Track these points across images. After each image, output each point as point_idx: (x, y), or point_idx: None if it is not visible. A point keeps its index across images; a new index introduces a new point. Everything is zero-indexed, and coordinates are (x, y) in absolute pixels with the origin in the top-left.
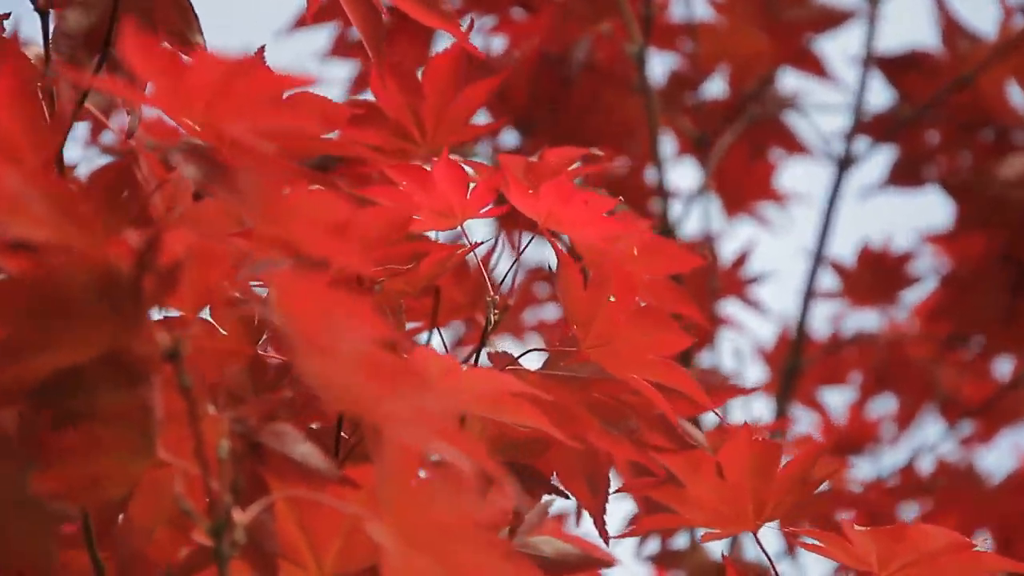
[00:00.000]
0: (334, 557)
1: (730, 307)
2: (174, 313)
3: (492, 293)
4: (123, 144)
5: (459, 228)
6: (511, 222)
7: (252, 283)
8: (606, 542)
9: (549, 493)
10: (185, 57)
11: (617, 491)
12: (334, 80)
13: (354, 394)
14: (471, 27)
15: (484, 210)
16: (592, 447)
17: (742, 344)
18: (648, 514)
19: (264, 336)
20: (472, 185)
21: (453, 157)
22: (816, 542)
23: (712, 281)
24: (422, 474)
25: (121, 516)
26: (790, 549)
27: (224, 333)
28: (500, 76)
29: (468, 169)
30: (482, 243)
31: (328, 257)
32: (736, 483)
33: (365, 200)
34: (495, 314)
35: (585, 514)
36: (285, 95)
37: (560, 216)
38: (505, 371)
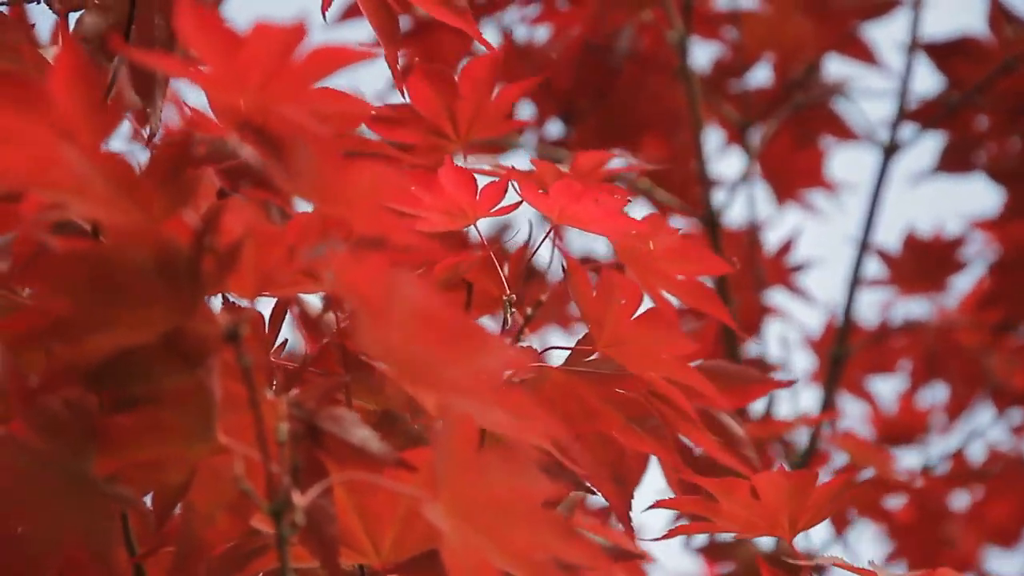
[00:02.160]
0: (391, 542)
1: (776, 296)
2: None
3: (508, 292)
4: (179, 126)
5: (472, 227)
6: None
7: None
8: (631, 538)
9: (578, 488)
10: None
11: (650, 508)
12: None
13: (415, 360)
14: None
15: (495, 209)
16: (617, 443)
17: (788, 333)
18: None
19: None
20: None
21: (475, 160)
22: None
23: (758, 270)
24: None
25: (180, 503)
26: (838, 531)
27: None
28: (538, 77)
29: (499, 169)
30: (499, 245)
31: (386, 235)
32: (771, 503)
33: None
34: (512, 312)
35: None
36: (321, 81)
37: (572, 212)
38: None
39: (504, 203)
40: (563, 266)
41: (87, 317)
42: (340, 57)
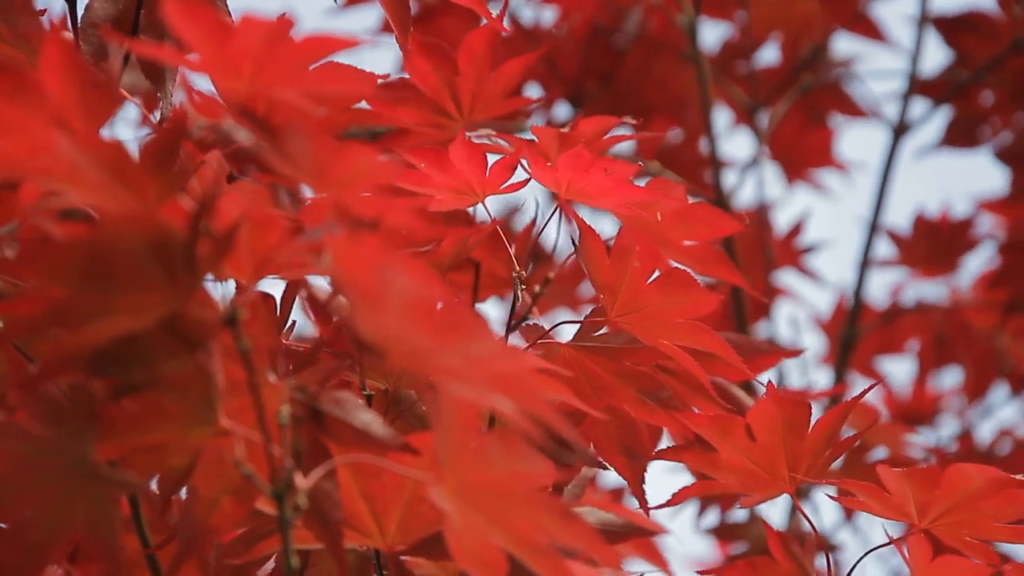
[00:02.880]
0: (397, 525)
1: (786, 277)
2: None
3: (518, 268)
4: (173, 112)
5: (480, 205)
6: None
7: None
8: (645, 510)
9: (588, 464)
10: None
11: (651, 458)
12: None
13: (409, 346)
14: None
15: (505, 186)
16: (628, 416)
17: (798, 314)
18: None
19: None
20: (492, 164)
21: (477, 135)
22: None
23: (767, 251)
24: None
25: (184, 487)
26: (848, 516)
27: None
28: (537, 52)
29: (501, 142)
30: (501, 220)
31: (380, 217)
32: (767, 443)
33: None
34: (522, 288)
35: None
36: (316, 64)
37: (579, 187)
38: (534, 346)
39: (513, 180)
40: (573, 240)
41: (85, 303)
42: (330, 45)
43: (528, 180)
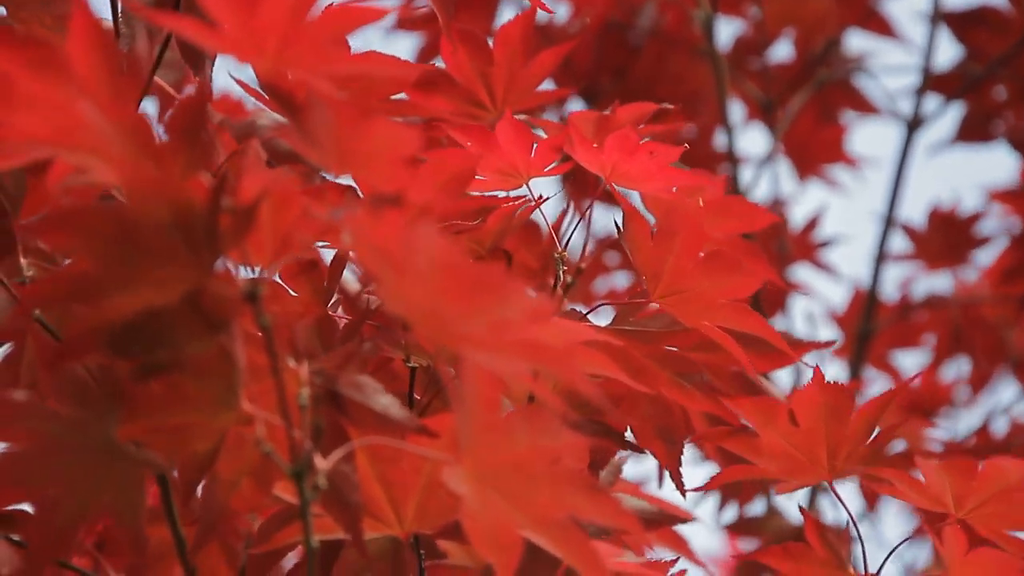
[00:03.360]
0: (414, 511)
1: (801, 272)
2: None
3: (560, 250)
4: (196, 88)
5: (524, 187)
6: (580, 189)
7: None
8: (682, 493)
9: (623, 448)
10: None
11: (690, 440)
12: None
13: (435, 314)
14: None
15: (549, 168)
16: (665, 400)
17: (814, 308)
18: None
19: (334, 298)
20: (536, 144)
21: (518, 117)
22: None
23: (783, 246)
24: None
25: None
26: (870, 507)
27: (295, 295)
28: (571, 42)
29: (537, 130)
30: (548, 198)
31: (402, 192)
32: (809, 429)
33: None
34: (565, 272)
35: (664, 477)
36: (355, 52)
37: (625, 170)
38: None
39: (558, 163)
40: (616, 224)
41: (110, 275)
42: (355, 16)
43: (572, 163)
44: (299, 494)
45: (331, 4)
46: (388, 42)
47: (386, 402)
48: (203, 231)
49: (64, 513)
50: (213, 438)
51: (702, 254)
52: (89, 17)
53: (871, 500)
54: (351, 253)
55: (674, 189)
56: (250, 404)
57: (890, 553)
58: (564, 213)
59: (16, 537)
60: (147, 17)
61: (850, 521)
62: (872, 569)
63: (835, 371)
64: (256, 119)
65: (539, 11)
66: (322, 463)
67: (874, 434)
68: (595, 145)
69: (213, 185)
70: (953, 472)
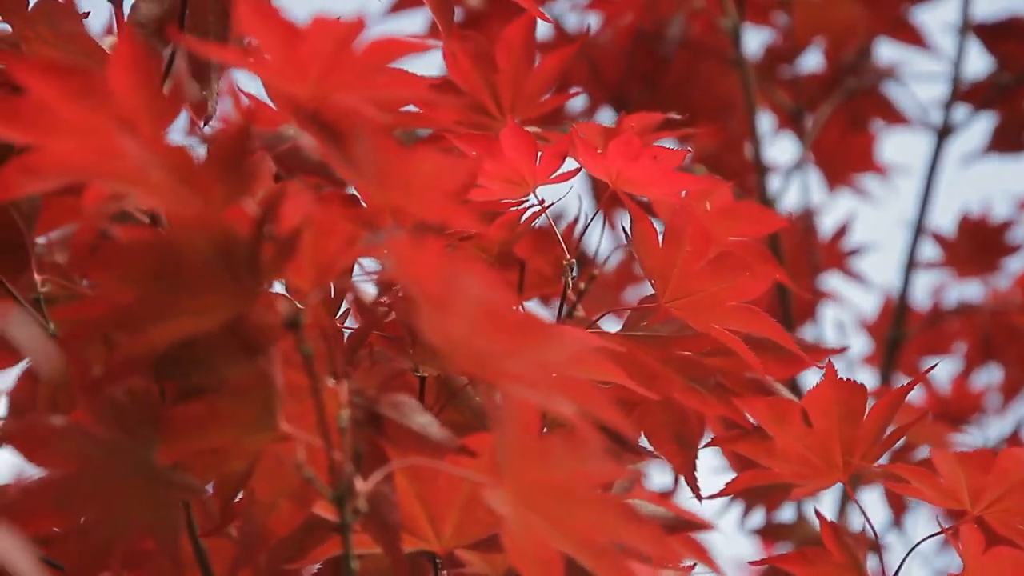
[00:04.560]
0: (453, 528)
1: (831, 280)
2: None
3: (569, 256)
4: (241, 113)
5: (531, 195)
6: (606, 195)
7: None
8: (698, 498)
9: (638, 455)
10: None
11: (706, 445)
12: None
13: (477, 350)
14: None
15: (554, 175)
16: (679, 406)
17: (844, 317)
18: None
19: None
20: (541, 152)
21: (529, 128)
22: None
23: (813, 254)
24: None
25: (242, 491)
26: (896, 511)
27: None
28: (572, 47)
29: (547, 139)
30: (552, 204)
31: (445, 222)
32: (823, 429)
33: None
34: (572, 278)
35: (681, 485)
36: (378, 68)
37: (630, 175)
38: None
39: (563, 170)
40: (624, 230)
41: (150, 305)
42: (398, 48)
43: (578, 170)
44: (340, 518)
45: (376, 37)
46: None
47: (424, 421)
48: (245, 259)
49: (102, 534)
50: (249, 458)
51: (710, 254)
52: (132, 43)
53: (897, 504)
54: (388, 274)
55: (682, 193)
56: (288, 425)
57: (907, 554)
58: (575, 220)
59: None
60: (189, 47)
61: (867, 523)
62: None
63: (866, 379)
64: (284, 131)
65: (571, 20)
66: (362, 485)
67: (888, 432)
68: (598, 151)
69: (257, 215)
70: (969, 464)
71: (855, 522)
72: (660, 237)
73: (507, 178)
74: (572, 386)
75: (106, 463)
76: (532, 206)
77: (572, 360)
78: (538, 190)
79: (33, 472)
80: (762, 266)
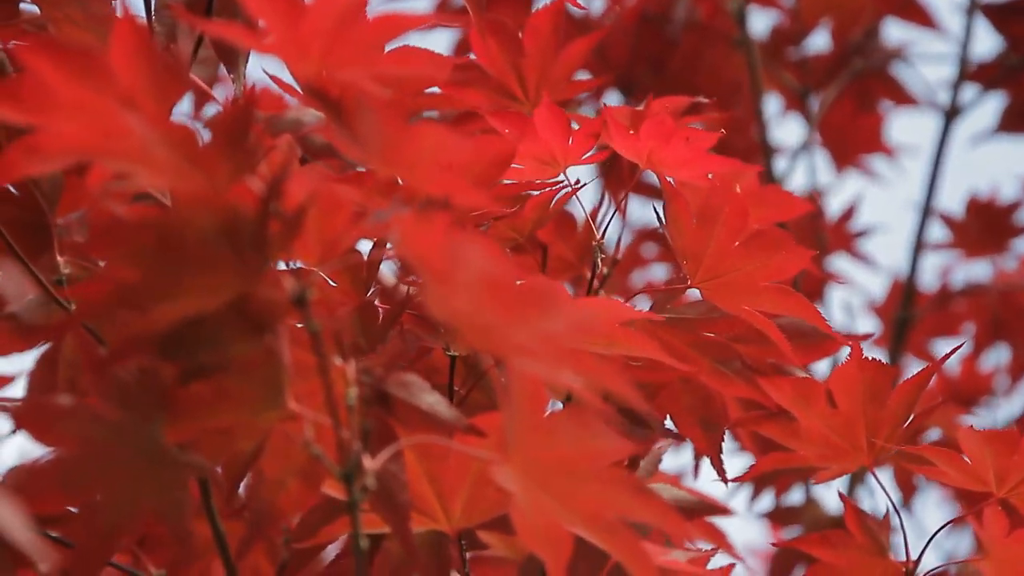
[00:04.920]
0: (462, 507)
1: (839, 262)
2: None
3: (598, 239)
4: (244, 92)
5: (562, 175)
6: (616, 182)
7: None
8: (724, 481)
9: (663, 437)
10: None
11: (729, 427)
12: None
13: (481, 323)
14: None
15: (586, 156)
16: (705, 388)
17: (852, 298)
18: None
19: (372, 288)
20: (573, 132)
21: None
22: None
23: (820, 236)
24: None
25: (250, 471)
26: (906, 495)
27: (334, 284)
28: (601, 32)
29: (574, 123)
30: (584, 184)
31: (448, 196)
32: (848, 411)
33: None
34: (601, 261)
35: (701, 468)
36: (391, 47)
37: (662, 156)
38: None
39: (595, 151)
40: (656, 210)
41: (156, 284)
42: (400, 23)
43: (606, 152)
44: (348, 496)
45: (377, 12)
46: (425, 37)
47: (433, 400)
48: (250, 236)
49: (110, 515)
50: (257, 437)
51: (747, 231)
52: (132, 22)
53: (907, 488)
54: (394, 251)
55: (710, 176)
56: (296, 404)
57: (930, 539)
58: (600, 204)
59: (54, 534)
60: (191, 22)
61: (891, 507)
62: (913, 556)
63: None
64: (298, 115)
65: (577, 3)
66: (371, 463)
67: (911, 417)
68: (631, 132)
69: (262, 191)
70: (996, 444)
71: (865, 505)
72: (693, 217)
73: (539, 158)
74: (580, 359)
75: (114, 443)
76: (563, 185)
77: (579, 329)
78: (568, 171)
79: (44, 453)
80: (796, 246)
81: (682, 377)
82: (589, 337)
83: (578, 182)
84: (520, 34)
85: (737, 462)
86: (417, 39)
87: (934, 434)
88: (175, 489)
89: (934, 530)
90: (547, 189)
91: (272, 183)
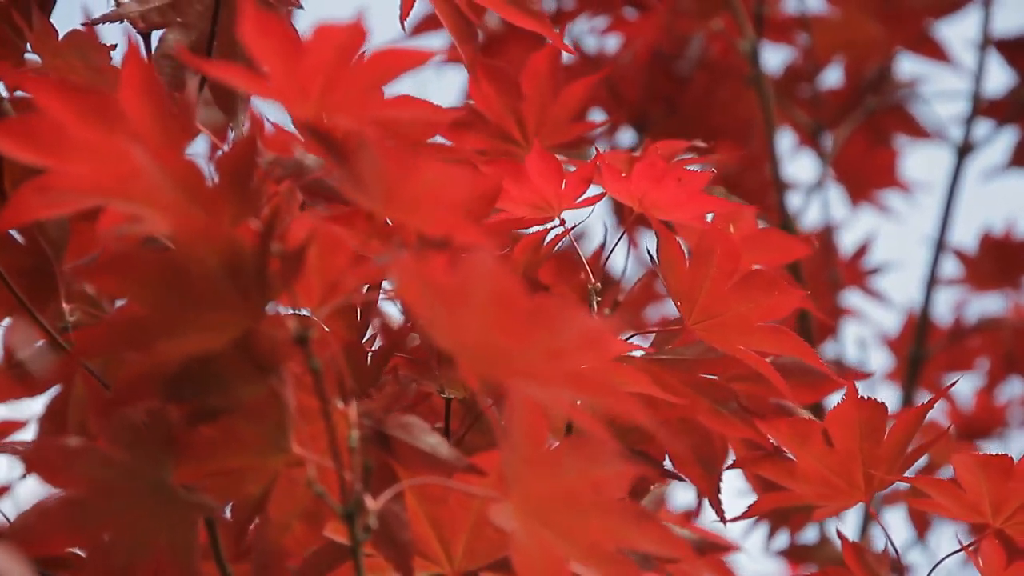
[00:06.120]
0: (464, 550)
1: (852, 297)
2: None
3: (593, 280)
4: (246, 134)
5: (557, 219)
6: (631, 219)
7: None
8: (723, 520)
9: (663, 477)
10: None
11: (728, 468)
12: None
13: (487, 347)
14: (563, 29)
15: (580, 199)
16: (703, 428)
17: (866, 334)
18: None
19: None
20: (567, 176)
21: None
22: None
23: (833, 272)
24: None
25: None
26: (919, 529)
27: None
28: (599, 74)
29: (570, 167)
30: (575, 227)
31: (449, 236)
32: (845, 449)
33: None
34: (599, 303)
35: (704, 506)
36: (390, 96)
37: (655, 198)
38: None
39: (588, 195)
40: (649, 253)
41: (162, 321)
42: (401, 60)
43: (603, 195)
44: (350, 535)
45: (377, 49)
46: (438, 76)
47: (434, 442)
48: (252, 276)
49: (119, 556)
50: (264, 480)
51: (739, 272)
52: (141, 65)
53: (921, 523)
54: (395, 294)
55: (708, 217)
56: (300, 447)
57: (932, 569)
58: (602, 246)
59: None
60: (193, 65)
61: (889, 542)
62: None
63: (888, 396)
64: (303, 159)
65: (590, 42)
66: (372, 504)
67: (910, 450)
68: (623, 175)
69: (262, 230)
70: (990, 471)
71: (879, 542)
72: (686, 259)
73: (533, 203)
74: (585, 380)
75: (122, 484)
76: (556, 227)
77: (585, 347)
78: (563, 215)
79: (53, 494)
80: (790, 286)
81: (680, 417)
82: (600, 354)
83: (564, 222)
84: (518, 77)
85: (746, 501)
86: (431, 78)
87: (949, 471)
88: (184, 529)
89: (949, 563)
90: (536, 230)
91: (271, 221)
